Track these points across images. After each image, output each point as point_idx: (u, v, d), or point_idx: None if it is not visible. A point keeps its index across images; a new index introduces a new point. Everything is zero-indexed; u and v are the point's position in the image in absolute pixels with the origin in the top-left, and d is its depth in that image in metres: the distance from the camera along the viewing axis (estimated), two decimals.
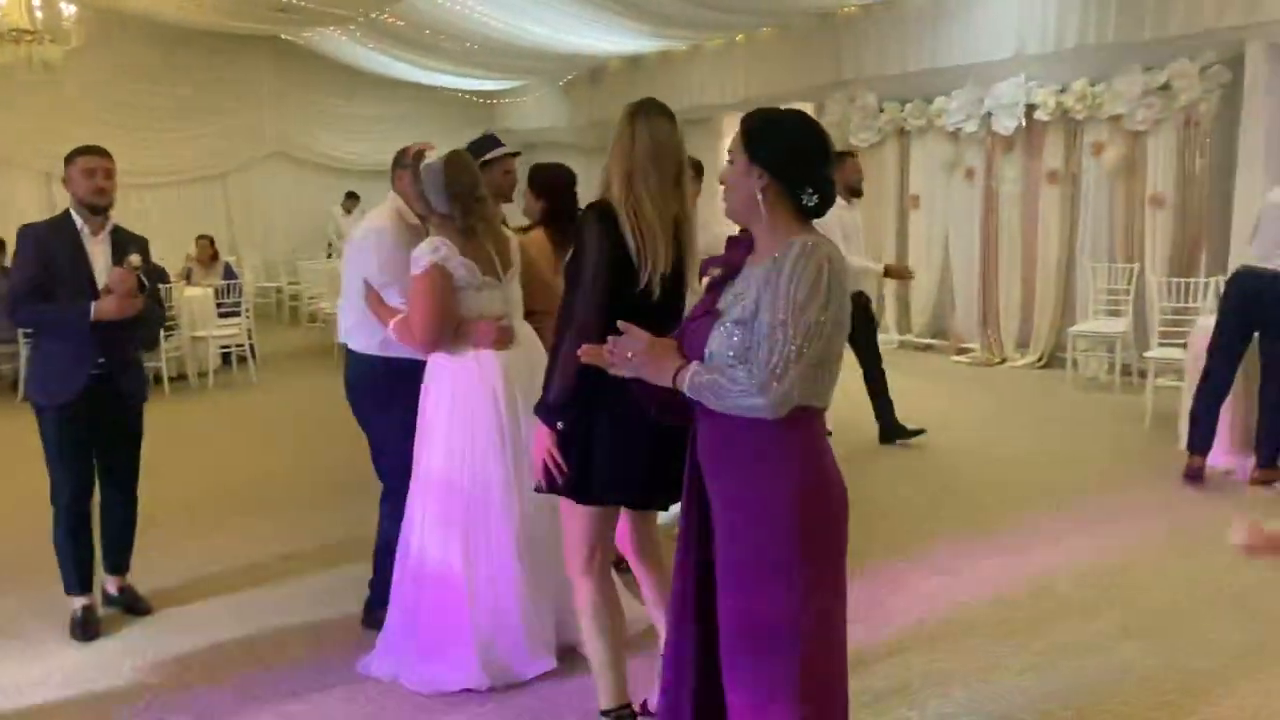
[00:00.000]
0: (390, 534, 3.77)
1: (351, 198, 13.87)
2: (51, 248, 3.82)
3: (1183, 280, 7.49)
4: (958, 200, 9.68)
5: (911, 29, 9.58)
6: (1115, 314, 8.19)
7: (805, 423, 2.10)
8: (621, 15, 10.47)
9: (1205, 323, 5.94)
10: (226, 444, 7.30)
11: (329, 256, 13.08)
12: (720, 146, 11.75)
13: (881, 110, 10.07)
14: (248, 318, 9.74)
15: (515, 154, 4.08)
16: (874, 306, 7.61)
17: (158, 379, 8.98)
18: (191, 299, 9.32)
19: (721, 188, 2.20)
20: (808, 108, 10.85)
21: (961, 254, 9.71)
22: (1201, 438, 5.51)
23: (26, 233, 3.89)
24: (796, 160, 2.12)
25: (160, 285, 4.30)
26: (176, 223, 13.33)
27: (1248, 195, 7.07)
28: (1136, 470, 5.79)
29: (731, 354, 2.07)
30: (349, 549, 4.64)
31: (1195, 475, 5.48)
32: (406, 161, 3.79)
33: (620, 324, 2.21)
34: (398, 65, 14.13)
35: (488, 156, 3.97)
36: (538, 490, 2.88)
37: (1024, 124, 8.83)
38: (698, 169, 4.38)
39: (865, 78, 10.15)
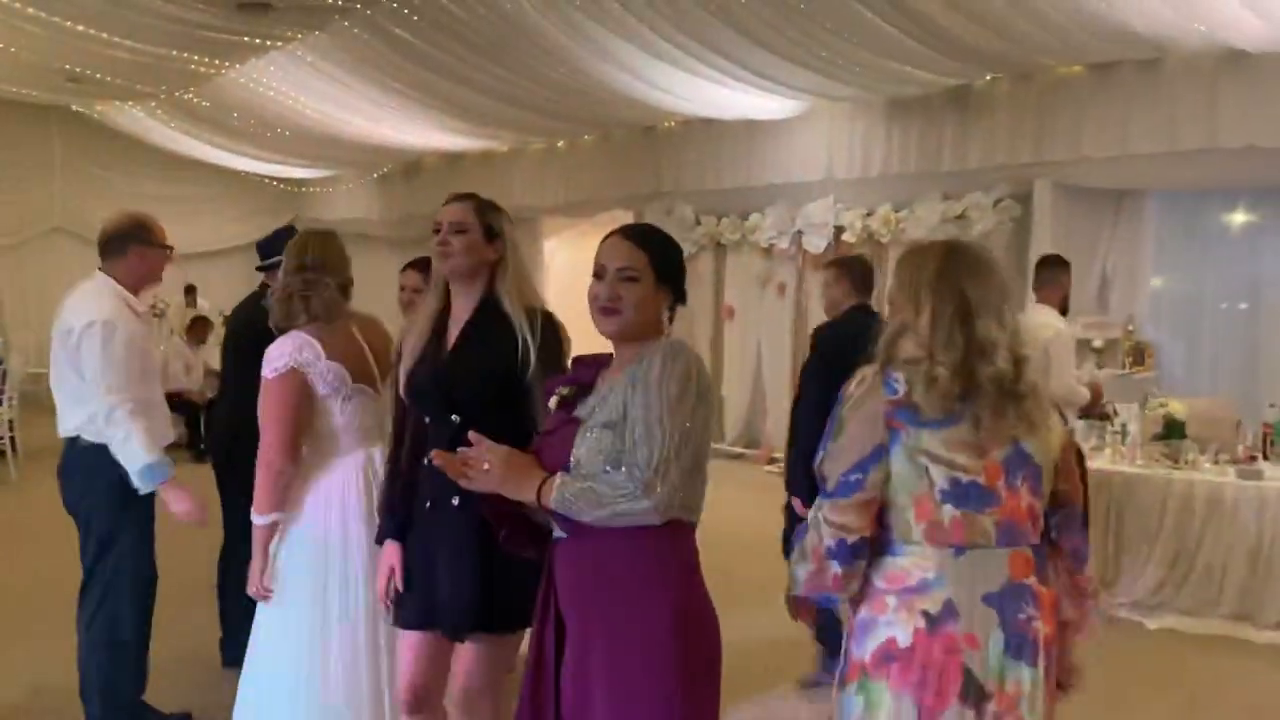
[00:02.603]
0: (102, 667, 3.55)
1: (191, 291, 13.21)
2: None
3: None
4: (770, 313, 9.92)
5: (727, 147, 9.89)
6: None
7: (682, 538, 2.03)
8: (442, 112, 10.37)
9: None
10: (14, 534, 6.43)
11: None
12: (538, 247, 11.70)
13: (698, 223, 10.28)
14: (10, 406, 8.81)
15: None
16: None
17: None
18: None
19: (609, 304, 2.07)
20: (626, 216, 11.00)
21: (773, 365, 9.91)
22: None
23: None
24: (683, 279, 2.17)
25: None
26: None
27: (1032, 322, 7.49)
28: None
29: (603, 458, 1.96)
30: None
31: None
32: (142, 237, 3.58)
33: (471, 435, 2.03)
34: (200, 146, 13.50)
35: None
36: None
37: (833, 243, 9.18)
38: None
39: (683, 191, 10.37)
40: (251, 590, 3.03)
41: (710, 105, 9.23)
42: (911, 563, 1.99)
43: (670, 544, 2.00)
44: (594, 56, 8.11)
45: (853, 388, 2.00)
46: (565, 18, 7.34)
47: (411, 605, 2.66)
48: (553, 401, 2.16)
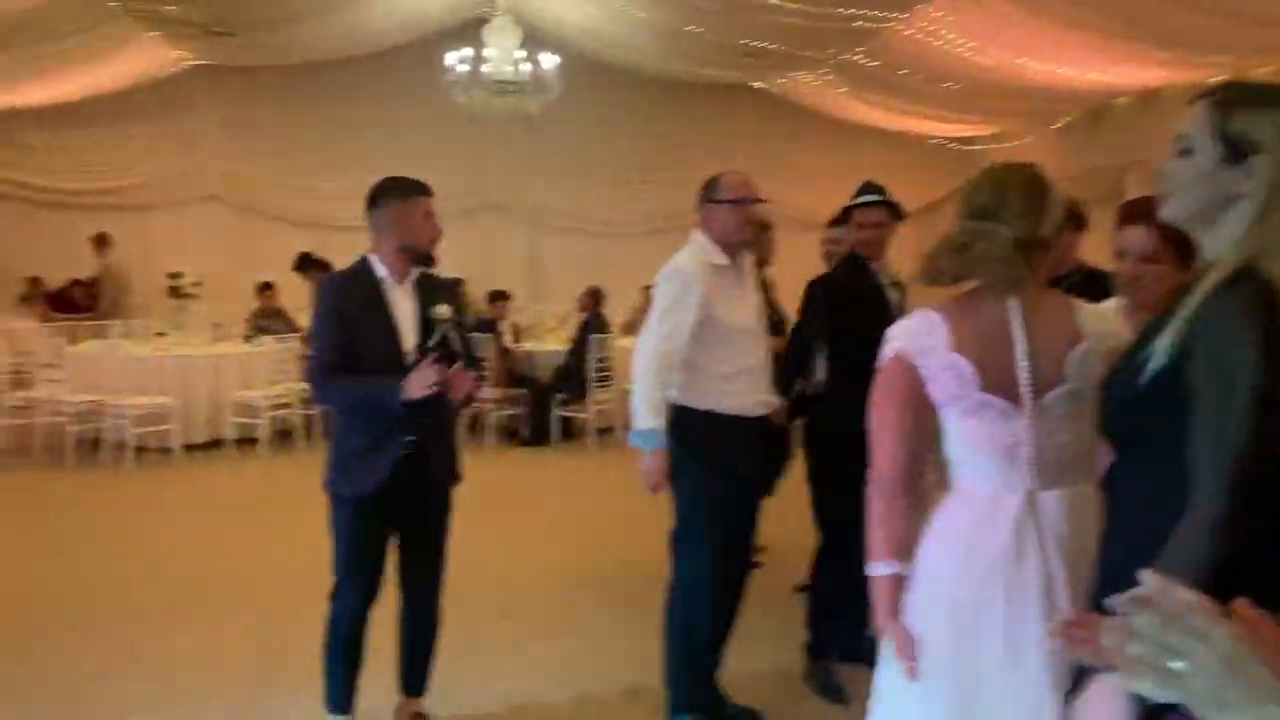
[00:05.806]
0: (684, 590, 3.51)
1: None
2: (350, 302, 3.22)
3: None
4: None
5: None
6: None
7: None
8: (1143, 40, 8.65)
9: None
10: (617, 512, 6.53)
11: None
12: None
13: None
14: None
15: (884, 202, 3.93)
16: None
17: (584, 430, 8.78)
18: (624, 350, 8.97)
19: None
20: None
21: None
22: None
23: (326, 287, 3.34)
24: None
25: (473, 335, 3.70)
26: (633, 273, 13.42)
27: None
28: None
29: None
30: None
31: None
32: (713, 196, 3.50)
33: None
34: (867, 109, 13.23)
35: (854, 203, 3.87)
36: None
37: None
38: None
39: None
40: None
41: None
42: None
43: None
44: None
45: None
46: None
47: None
48: None
